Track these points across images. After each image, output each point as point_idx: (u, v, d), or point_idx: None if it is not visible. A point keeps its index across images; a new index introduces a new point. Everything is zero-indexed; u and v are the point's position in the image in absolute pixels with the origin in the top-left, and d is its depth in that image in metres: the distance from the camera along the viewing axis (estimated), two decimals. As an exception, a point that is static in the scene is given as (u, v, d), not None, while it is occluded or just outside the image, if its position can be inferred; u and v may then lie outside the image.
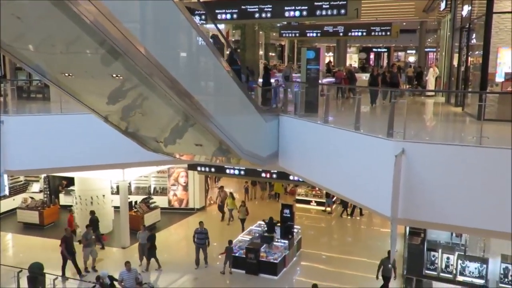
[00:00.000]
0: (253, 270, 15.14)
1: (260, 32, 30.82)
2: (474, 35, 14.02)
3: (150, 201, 20.02)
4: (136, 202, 19.91)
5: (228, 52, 18.02)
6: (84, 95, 7.96)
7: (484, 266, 12.69)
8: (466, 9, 14.81)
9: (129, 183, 20.01)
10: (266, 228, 16.65)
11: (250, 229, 17.62)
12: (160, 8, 6.47)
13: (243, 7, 15.01)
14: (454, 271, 12.98)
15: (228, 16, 15.30)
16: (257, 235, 16.81)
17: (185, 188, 21.48)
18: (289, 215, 16.79)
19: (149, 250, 15.27)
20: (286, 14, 14.51)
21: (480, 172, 7.49)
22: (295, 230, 17.08)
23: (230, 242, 15.74)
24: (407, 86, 20.06)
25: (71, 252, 14.67)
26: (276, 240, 16.43)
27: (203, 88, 8.50)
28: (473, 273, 12.75)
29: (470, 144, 8.06)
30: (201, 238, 15.52)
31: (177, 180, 21.52)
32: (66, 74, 7.04)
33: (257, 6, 14.74)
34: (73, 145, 11.19)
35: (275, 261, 15.19)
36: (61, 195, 21.42)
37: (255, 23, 23.33)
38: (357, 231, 20.16)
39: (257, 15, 14.83)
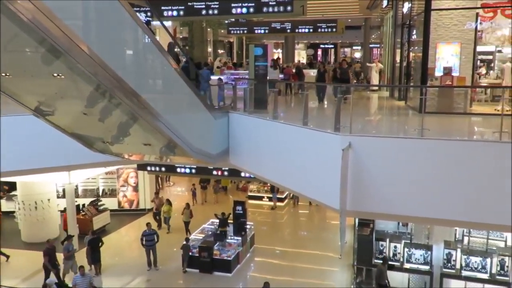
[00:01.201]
0: (207, 269, 15.08)
1: (208, 29, 30.66)
2: (414, 31, 14.58)
3: (99, 203, 19.47)
4: (84, 205, 19.31)
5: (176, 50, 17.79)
6: (23, 95, 7.60)
7: (429, 252, 13.24)
8: (406, 6, 15.37)
9: (76, 186, 19.36)
10: (218, 226, 16.59)
11: (203, 228, 17.52)
12: (102, 5, 6.28)
13: (189, 3, 14.84)
14: (401, 259, 13.46)
15: (175, 13, 15.09)
16: (210, 233, 16.75)
17: (135, 188, 21.05)
18: (241, 212, 16.83)
19: (92, 254, 14.79)
20: (233, 11, 14.50)
21: (422, 163, 7.79)
22: (248, 227, 17.15)
23: (187, 240, 15.61)
24: (354, 81, 20.60)
25: (54, 265, 13.91)
26: (229, 237, 16.43)
27: (151, 87, 8.34)
28: (418, 260, 13.28)
29: (412, 137, 8.38)
30: (150, 240, 15.24)
31: (126, 181, 21.05)
32: (3, 74, 6.69)
33: (204, 3, 14.63)
34: (13, 148, 10.66)
35: (229, 259, 15.20)
36: (3, 201, 20.40)
37: (202, 20, 23.17)
38: (310, 225, 20.50)
39: (204, 12, 14.72)
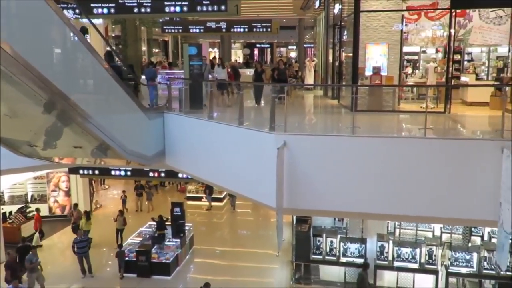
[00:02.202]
0: (145, 273, 14.75)
1: (142, 28, 29.94)
2: (345, 32, 15.05)
3: (28, 210, 18.47)
4: (11, 212, 18.24)
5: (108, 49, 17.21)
6: None
7: (363, 246, 13.75)
8: (337, 7, 15.83)
9: (2, 192, 18.26)
10: (156, 228, 16.26)
11: (140, 231, 17.11)
12: (24, 2, 5.93)
13: (120, 1, 14.39)
14: (338, 253, 13.88)
15: (105, 10, 14.56)
16: (148, 236, 16.39)
17: (67, 193, 20.16)
18: (179, 213, 16.59)
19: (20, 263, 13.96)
20: (167, 9, 14.23)
21: (354, 160, 8.05)
22: (187, 228, 16.96)
23: (120, 246, 15.19)
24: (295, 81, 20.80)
25: (16, 278, 12.87)
26: (168, 239, 16.16)
27: (80, 88, 7.99)
28: (354, 253, 13.75)
29: (344, 134, 8.62)
30: (82, 247, 14.62)
31: (57, 186, 20.12)
32: None
33: (135, 1, 14.25)
34: None
35: (168, 261, 14.95)
36: None
37: (136, 18, 22.58)
38: (249, 223, 20.59)
39: (136, 10, 14.33)
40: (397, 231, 14.34)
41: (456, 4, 11.83)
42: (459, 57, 17.27)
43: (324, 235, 14.11)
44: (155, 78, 12.57)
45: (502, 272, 12.21)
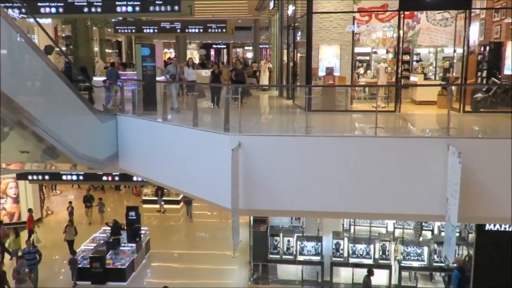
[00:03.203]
0: (100, 280, 14.36)
1: (94, 28, 29.15)
2: (299, 33, 15.22)
3: (-27, 218, 17.61)
4: (-45, 221, 17.32)
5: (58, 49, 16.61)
6: None
7: (320, 244, 13.95)
8: (291, 8, 15.99)
9: None
10: (110, 233, 15.88)
11: (94, 237, 16.66)
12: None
13: (69, 0, 13.92)
14: (295, 252, 14.01)
15: (53, 10, 14.02)
16: (102, 242, 15.97)
17: (16, 200, 19.35)
18: (135, 217, 16.27)
19: None
20: (118, 9, 13.87)
21: (309, 159, 8.14)
22: (143, 232, 16.65)
23: (74, 253, 14.72)
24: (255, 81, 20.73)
25: None
26: (123, 244, 15.80)
27: (25, 90, 7.67)
28: (310, 251, 13.93)
29: (298, 134, 8.71)
30: (31, 259, 13.89)
31: (5, 192, 19.26)
32: None
33: (85, 0, 13.81)
34: None
35: (123, 267, 14.63)
36: None
37: (86, 18, 21.94)
38: (206, 225, 20.44)
39: (86, 9, 13.87)
40: (352, 228, 14.65)
41: (405, 6, 12.20)
42: (408, 57, 17.84)
43: (281, 235, 14.23)
44: (117, 79, 12.23)
45: (450, 264, 12.71)
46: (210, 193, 8.89)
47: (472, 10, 12.43)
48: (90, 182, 19.50)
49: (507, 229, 11.91)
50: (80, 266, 14.45)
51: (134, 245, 15.76)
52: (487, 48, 12.72)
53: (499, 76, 12.09)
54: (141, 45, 12.06)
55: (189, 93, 12.68)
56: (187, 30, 25.36)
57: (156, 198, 21.66)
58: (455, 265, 12.46)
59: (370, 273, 12.81)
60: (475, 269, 12.31)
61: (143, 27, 25.51)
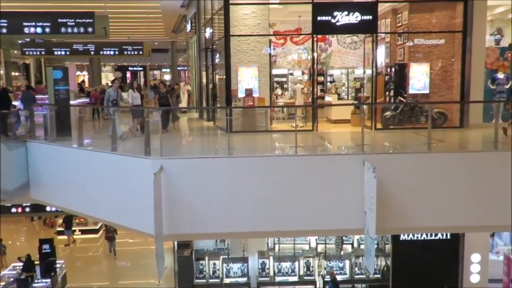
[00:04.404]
0: (11, 321, 13.22)
1: (-1, 50, 27.44)
2: (217, 55, 15.36)
3: None
4: None
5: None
6: None
7: (245, 264, 13.91)
8: (208, 31, 16.13)
9: None
10: (22, 270, 14.71)
11: (3, 274, 15.32)
12: None
13: (-30, 21, 13.01)
14: (221, 275, 13.84)
15: (-48, 30, 13.03)
16: (12, 279, 14.72)
17: None
18: (49, 250, 15.23)
19: None
20: (26, 30, 13.16)
21: (232, 180, 8.16)
22: (58, 265, 15.62)
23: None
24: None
25: None
26: (36, 280, 14.69)
27: None
28: (236, 273, 13.83)
29: (220, 156, 8.73)
30: None
31: None
32: None
33: (-11, 21, 12.97)
34: None
35: (37, 305, 13.60)
36: None
37: (-10, 39, 20.60)
38: (128, 253, 19.61)
39: (-11, 30, 13.05)
40: (277, 246, 14.79)
41: (317, 30, 12.77)
42: (322, 78, 18.69)
43: (206, 258, 14.00)
44: (33, 103, 11.43)
45: (371, 276, 13.24)
46: (132, 220, 8.58)
47: (378, 34, 13.32)
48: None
49: (419, 238, 12.69)
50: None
51: (49, 280, 14.71)
52: (393, 69, 13.66)
53: (405, 95, 13.02)
54: (53, 67, 11.50)
55: (135, 118, 11.94)
56: (101, 52, 24.59)
57: (74, 229, 20.37)
58: (376, 276, 13.04)
59: None
60: (393, 277, 12.94)
61: (54, 49, 24.33)
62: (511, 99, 12.68)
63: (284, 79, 18.27)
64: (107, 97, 11.53)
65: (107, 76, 50.21)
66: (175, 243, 14.31)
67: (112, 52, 24.82)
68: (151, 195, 7.41)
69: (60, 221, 21.03)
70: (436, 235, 12.51)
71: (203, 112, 17.48)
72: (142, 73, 58.33)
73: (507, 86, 12.66)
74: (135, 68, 56.55)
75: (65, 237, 20.06)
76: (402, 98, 12.97)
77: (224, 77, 12.91)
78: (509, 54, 12.86)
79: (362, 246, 14.07)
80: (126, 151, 9.41)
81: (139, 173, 8.17)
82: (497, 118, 8.77)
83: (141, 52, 25.31)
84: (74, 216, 19.04)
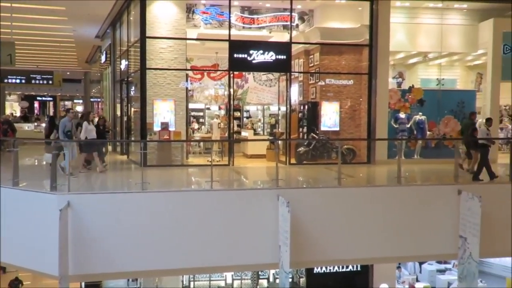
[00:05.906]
0: None
1: None
2: (133, 88, 15.08)
3: None
4: None
5: None
6: None
7: (158, 304, 13.36)
8: (124, 63, 15.84)
9: None
10: None
11: None
12: None
13: None
14: (132, 316, 13.16)
15: None
16: None
17: None
18: None
19: None
20: None
21: (146, 216, 7.87)
22: None
23: None
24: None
25: None
26: None
27: None
28: (149, 314, 13.23)
29: (133, 191, 8.43)
30: None
31: None
32: None
33: None
34: None
35: None
36: None
37: None
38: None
39: None
40: (192, 283, 14.40)
41: (234, 66, 13.06)
42: (239, 114, 19.01)
43: (116, 299, 13.27)
44: None
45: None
46: (33, 261, 7.90)
47: (292, 73, 13.91)
48: None
49: (331, 270, 13.04)
50: None
51: None
52: (306, 106, 14.27)
53: (317, 132, 13.60)
54: None
55: (91, 153, 11.05)
56: (6, 80, 23.10)
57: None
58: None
59: None
60: (308, 311, 13.10)
61: (-49, 75, 22.45)
62: (411, 137, 13.78)
63: (201, 114, 18.32)
64: (62, 127, 10.57)
65: (12, 106, 47.16)
66: (83, 284, 13.45)
67: (18, 81, 23.44)
68: (57, 233, 6.93)
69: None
70: (347, 267, 12.93)
71: (116, 145, 16.92)
72: (52, 103, 55.51)
73: (408, 125, 13.76)
74: (44, 98, 53.70)
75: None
76: (314, 135, 13.53)
77: (140, 110, 12.66)
78: (409, 96, 13.99)
79: (277, 281, 14.15)
80: (31, 186, 8.76)
81: (44, 209, 7.61)
82: (399, 155, 9.41)
83: (51, 82, 24.19)
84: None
